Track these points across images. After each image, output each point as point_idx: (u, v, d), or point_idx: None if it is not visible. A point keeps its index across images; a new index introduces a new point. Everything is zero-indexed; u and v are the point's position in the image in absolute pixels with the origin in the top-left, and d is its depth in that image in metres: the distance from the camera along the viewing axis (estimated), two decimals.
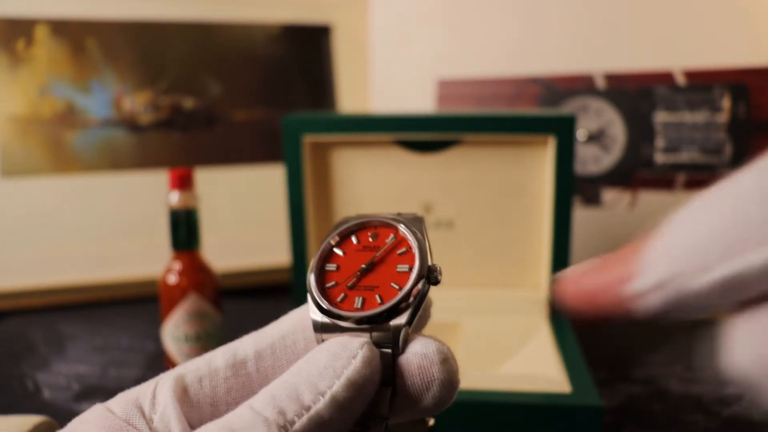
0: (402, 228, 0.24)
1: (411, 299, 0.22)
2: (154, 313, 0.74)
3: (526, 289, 0.65)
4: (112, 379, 0.60)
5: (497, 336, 0.60)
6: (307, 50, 0.91)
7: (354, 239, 0.25)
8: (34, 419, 0.35)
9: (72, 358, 0.65)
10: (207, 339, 0.58)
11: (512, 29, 0.90)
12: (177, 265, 0.57)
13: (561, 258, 0.62)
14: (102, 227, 0.82)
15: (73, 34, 0.81)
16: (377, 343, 0.22)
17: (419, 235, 0.24)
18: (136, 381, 0.60)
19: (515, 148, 0.63)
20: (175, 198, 0.56)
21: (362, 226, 0.25)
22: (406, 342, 0.22)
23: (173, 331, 0.57)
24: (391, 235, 0.24)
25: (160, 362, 0.63)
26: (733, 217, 0.15)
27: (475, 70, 0.88)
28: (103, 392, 0.58)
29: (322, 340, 0.22)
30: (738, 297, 0.17)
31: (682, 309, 0.18)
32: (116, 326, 0.73)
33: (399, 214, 0.25)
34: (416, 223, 0.24)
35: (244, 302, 0.80)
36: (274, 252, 0.84)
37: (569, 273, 0.21)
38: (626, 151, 0.79)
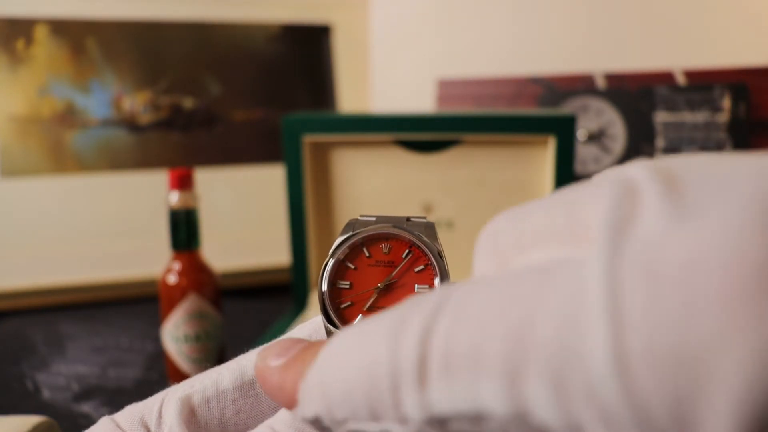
0: (418, 242, 0.23)
1: None
2: (154, 313, 0.74)
3: None
4: (112, 379, 0.60)
5: None
6: (307, 50, 0.91)
7: (366, 252, 0.23)
8: (33, 419, 0.35)
9: (72, 358, 0.65)
10: (207, 339, 0.58)
11: (512, 29, 0.90)
12: (177, 265, 0.57)
13: None
14: (102, 227, 0.82)
15: (72, 34, 0.81)
16: None
17: (436, 250, 0.23)
18: (135, 381, 0.60)
19: (515, 148, 0.63)
20: (174, 198, 0.56)
21: (373, 238, 0.23)
22: None
23: (173, 331, 0.57)
24: (407, 250, 0.23)
25: (160, 362, 0.63)
26: (367, 377, 0.14)
27: (475, 70, 0.88)
28: (102, 393, 0.58)
29: None
30: None
31: None
32: (116, 326, 0.73)
33: (408, 220, 0.24)
34: (429, 231, 0.23)
35: (244, 302, 0.80)
36: (274, 252, 0.84)
37: (260, 355, 0.19)
38: (626, 151, 0.79)
